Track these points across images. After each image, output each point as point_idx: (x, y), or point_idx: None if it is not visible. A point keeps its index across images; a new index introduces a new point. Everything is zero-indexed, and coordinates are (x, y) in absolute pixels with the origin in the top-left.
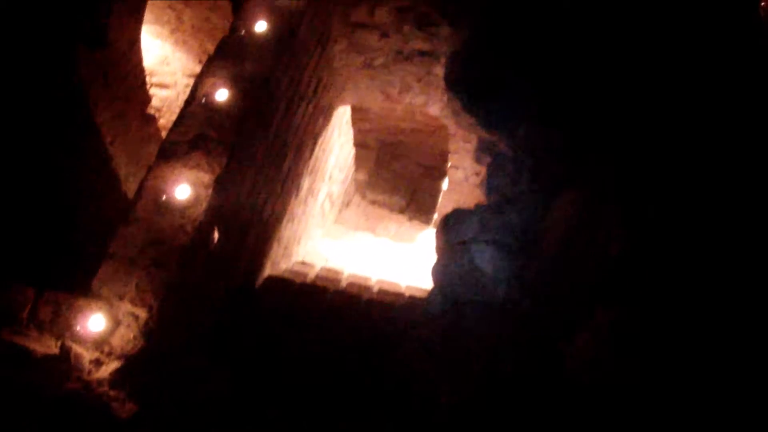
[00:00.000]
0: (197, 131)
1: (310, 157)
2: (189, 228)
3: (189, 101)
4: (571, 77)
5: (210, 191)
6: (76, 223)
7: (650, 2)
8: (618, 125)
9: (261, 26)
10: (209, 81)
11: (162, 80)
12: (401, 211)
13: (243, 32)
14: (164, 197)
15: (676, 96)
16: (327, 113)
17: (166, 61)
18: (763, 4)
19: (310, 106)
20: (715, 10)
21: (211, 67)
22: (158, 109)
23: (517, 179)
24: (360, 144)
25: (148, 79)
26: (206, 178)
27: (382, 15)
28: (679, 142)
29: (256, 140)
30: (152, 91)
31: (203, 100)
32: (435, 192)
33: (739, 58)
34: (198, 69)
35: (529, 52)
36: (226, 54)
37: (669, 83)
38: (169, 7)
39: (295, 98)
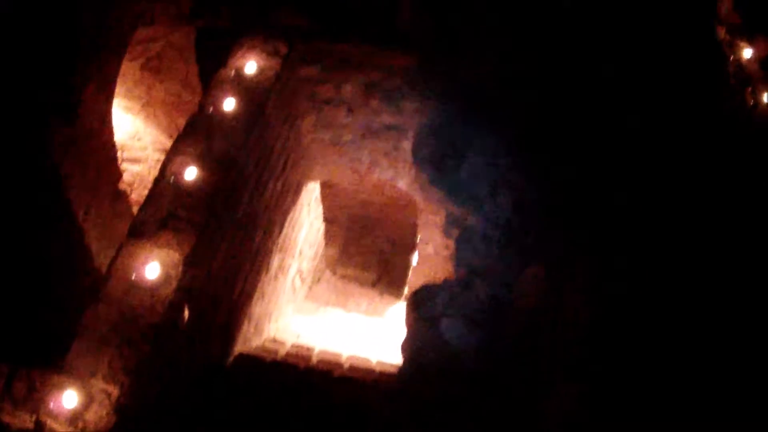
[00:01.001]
0: (167, 210)
1: (279, 235)
2: (159, 307)
3: (158, 180)
4: (537, 154)
5: (180, 270)
6: (49, 299)
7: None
8: (585, 199)
9: (229, 104)
10: (178, 159)
11: (133, 155)
12: (372, 286)
13: (211, 110)
14: (134, 276)
15: (637, 176)
16: (296, 190)
17: (138, 136)
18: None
19: (279, 184)
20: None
21: (180, 145)
22: (130, 184)
23: (486, 253)
24: (330, 219)
25: (119, 153)
26: (176, 257)
27: (349, 91)
28: (641, 219)
29: (225, 219)
30: (124, 165)
31: (172, 179)
32: (406, 265)
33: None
34: (169, 144)
35: (495, 127)
36: (194, 132)
37: (631, 162)
38: (140, 81)
39: (264, 176)
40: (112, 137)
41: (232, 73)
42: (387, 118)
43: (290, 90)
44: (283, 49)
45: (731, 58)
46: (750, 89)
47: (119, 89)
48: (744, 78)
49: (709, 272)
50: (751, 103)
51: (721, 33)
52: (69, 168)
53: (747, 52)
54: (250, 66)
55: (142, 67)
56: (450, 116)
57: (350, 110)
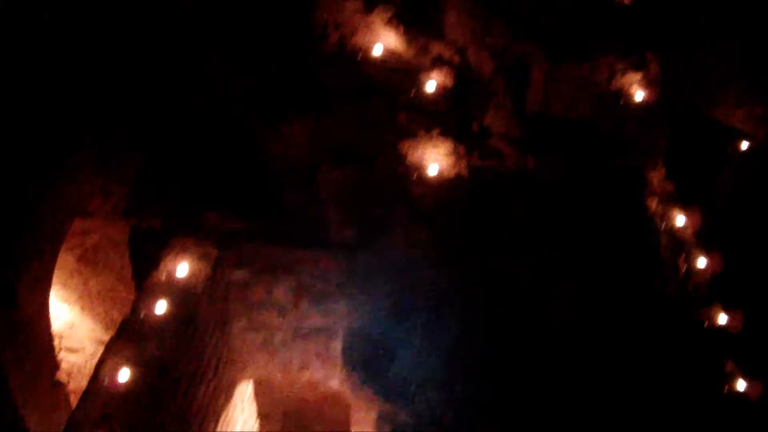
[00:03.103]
0: (101, 411)
1: None
2: None
3: (92, 381)
4: (467, 350)
5: None
6: None
7: None
8: (517, 392)
9: (161, 307)
10: (112, 361)
11: (71, 345)
12: None
13: (143, 314)
14: None
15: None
16: (228, 390)
17: (74, 326)
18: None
19: (212, 385)
20: None
21: (113, 346)
22: (68, 373)
23: None
24: (264, 415)
25: (57, 342)
26: None
27: (280, 293)
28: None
29: (158, 420)
30: (62, 354)
31: (105, 381)
32: None
33: None
34: (105, 336)
35: (423, 327)
36: (127, 335)
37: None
38: (76, 272)
39: (196, 378)
40: (50, 326)
41: (164, 276)
42: (317, 320)
43: (221, 293)
44: (214, 253)
45: (662, 228)
46: (683, 256)
47: (56, 279)
48: (677, 246)
49: None
50: (684, 270)
51: (653, 205)
52: (8, 355)
53: (680, 220)
54: (182, 269)
55: (79, 259)
56: (378, 317)
57: (281, 313)
